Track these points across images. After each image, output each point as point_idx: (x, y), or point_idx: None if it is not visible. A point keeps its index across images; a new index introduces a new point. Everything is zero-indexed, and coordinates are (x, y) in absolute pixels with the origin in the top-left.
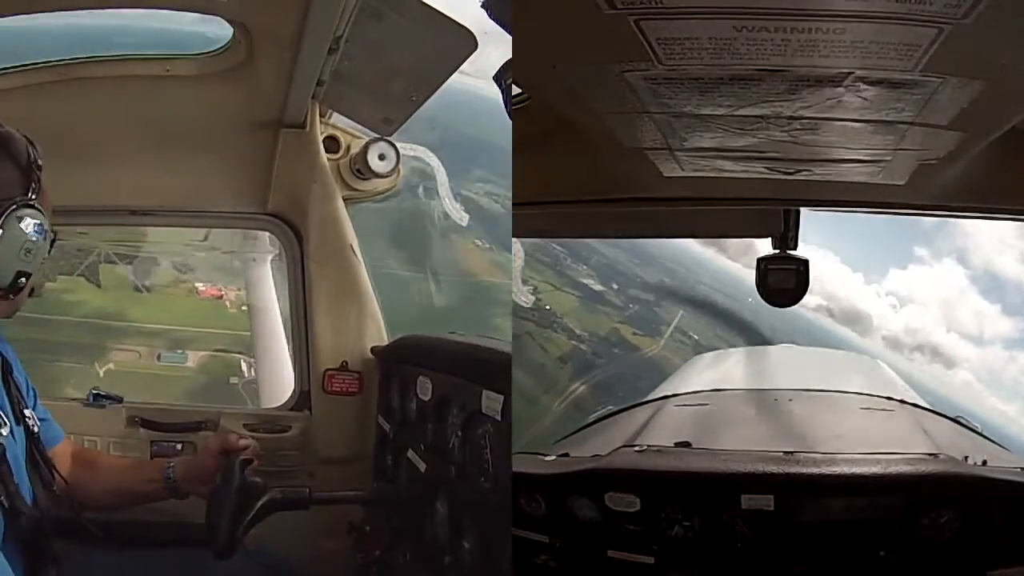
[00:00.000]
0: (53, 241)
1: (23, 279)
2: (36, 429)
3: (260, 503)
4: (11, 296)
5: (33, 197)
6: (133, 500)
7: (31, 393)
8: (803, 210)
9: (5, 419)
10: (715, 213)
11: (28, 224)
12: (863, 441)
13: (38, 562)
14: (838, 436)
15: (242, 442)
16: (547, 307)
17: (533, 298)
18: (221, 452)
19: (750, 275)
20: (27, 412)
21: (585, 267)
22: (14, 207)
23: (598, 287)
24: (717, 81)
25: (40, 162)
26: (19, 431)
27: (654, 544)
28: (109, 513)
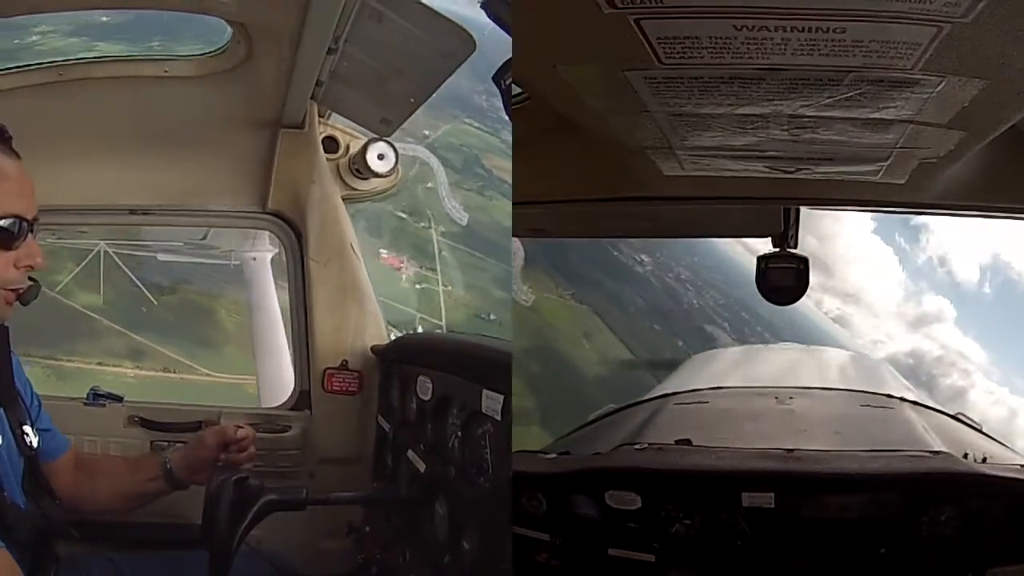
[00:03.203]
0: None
1: None
2: (34, 444)
3: (257, 506)
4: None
5: None
6: (137, 501)
7: (34, 402)
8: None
9: None
10: (716, 212)
11: None
12: (863, 439)
13: (39, 567)
14: (838, 434)
15: (240, 432)
16: None
17: (533, 297)
18: (219, 444)
19: None
20: (26, 428)
21: None
22: None
23: None
24: (717, 80)
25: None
26: (13, 445)
27: (655, 542)
28: (115, 516)
